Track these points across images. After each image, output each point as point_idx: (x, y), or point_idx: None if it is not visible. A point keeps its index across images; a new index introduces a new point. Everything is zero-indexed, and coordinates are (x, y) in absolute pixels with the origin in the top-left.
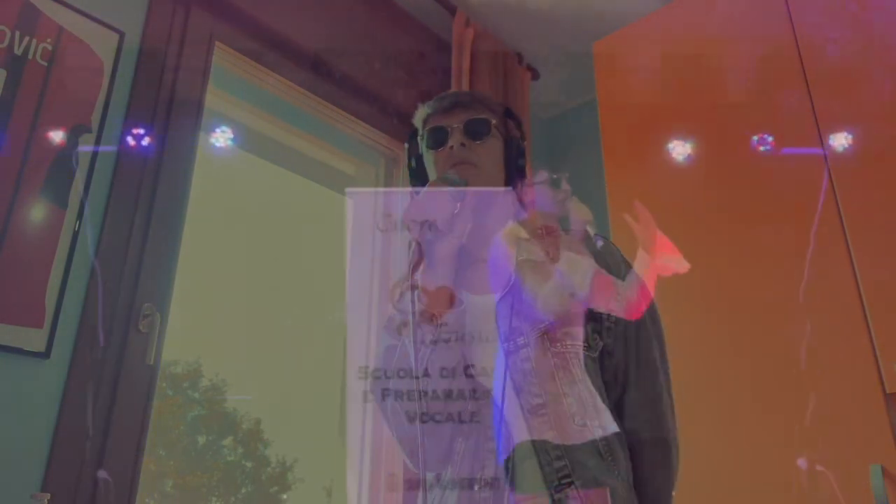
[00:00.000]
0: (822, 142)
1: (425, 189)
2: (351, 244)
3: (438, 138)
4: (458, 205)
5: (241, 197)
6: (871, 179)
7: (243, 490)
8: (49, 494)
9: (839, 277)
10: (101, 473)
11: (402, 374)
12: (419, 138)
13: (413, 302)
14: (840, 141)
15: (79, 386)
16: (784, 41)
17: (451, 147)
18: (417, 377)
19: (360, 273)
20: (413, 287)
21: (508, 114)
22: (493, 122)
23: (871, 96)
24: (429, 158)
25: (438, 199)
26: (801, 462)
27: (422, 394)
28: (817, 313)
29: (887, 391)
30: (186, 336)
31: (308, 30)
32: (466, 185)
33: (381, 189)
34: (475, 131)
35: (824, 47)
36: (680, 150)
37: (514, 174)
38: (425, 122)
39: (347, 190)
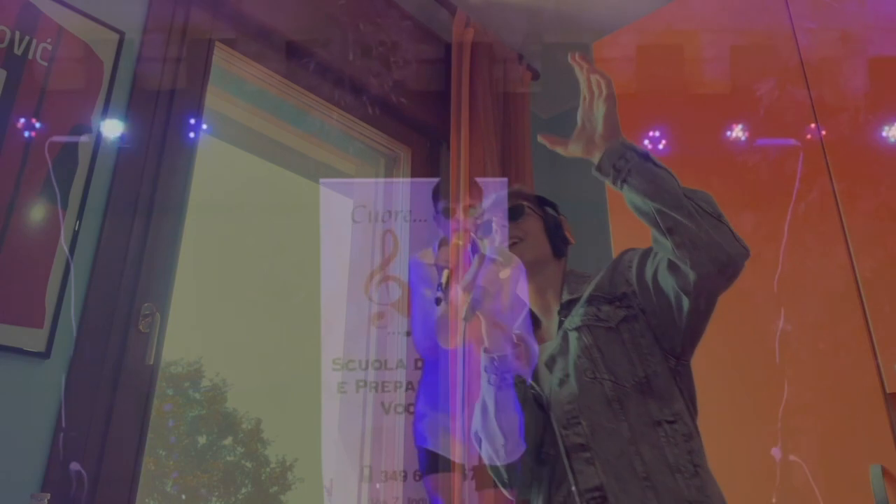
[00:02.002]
0: (820, 136)
1: (473, 263)
2: (325, 235)
3: (488, 228)
4: (507, 271)
5: (241, 197)
6: (872, 177)
7: (243, 490)
8: (49, 494)
9: (839, 277)
10: (74, 465)
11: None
12: (476, 235)
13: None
14: (815, 132)
15: (79, 386)
16: (785, 38)
17: (496, 229)
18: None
19: (335, 264)
20: (386, 279)
21: (542, 201)
22: (527, 204)
23: (846, 87)
24: (483, 245)
25: (485, 269)
26: (777, 454)
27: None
28: (817, 313)
29: (887, 391)
30: (186, 336)
31: (308, 30)
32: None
33: (356, 180)
34: (513, 215)
35: (799, 40)
36: (656, 143)
37: (558, 244)
38: (477, 220)
39: (321, 180)
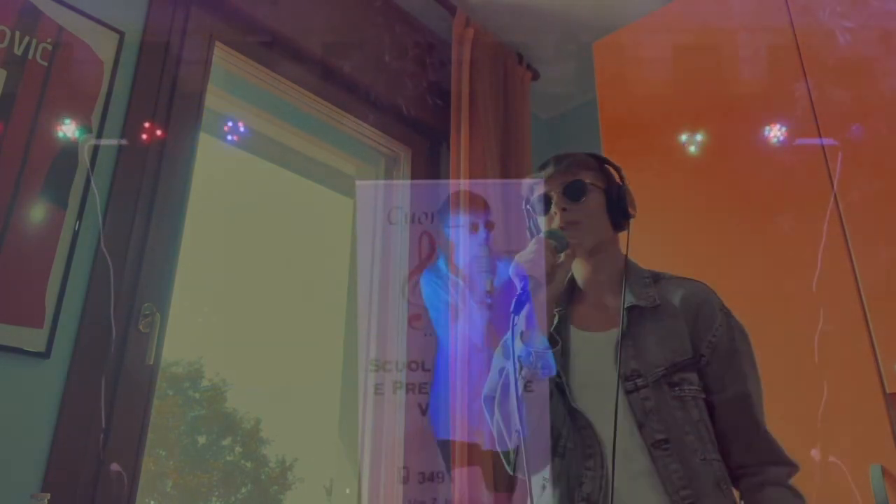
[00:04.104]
0: (825, 133)
1: (529, 245)
2: (359, 236)
3: (544, 205)
4: (562, 256)
5: (241, 197)
6: (871, 176)
7: (243, 490)
8: (49, 494)
9: (839, 277)
10: (114, 466)
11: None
12: (529, 206)
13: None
14: (854, 132)
15: (79, 386)
16: (785, 38)
17: (555, 212)
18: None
19: (368, 265)
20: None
21: (605, 162)
22: (588, 181)
23: (885, 86)
24: (540, 221)
25: (537, 255)
26: (816, 455)
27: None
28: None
29: (887, 391)
30: (186, 336)
31: (308, 30)
32: (567, 242)
33: (392, 181)
34: (573, 194)
35: (838, 38)
36: (680, 147)
37: (618, 219)
38: (532, 189)
39: (357, 182)
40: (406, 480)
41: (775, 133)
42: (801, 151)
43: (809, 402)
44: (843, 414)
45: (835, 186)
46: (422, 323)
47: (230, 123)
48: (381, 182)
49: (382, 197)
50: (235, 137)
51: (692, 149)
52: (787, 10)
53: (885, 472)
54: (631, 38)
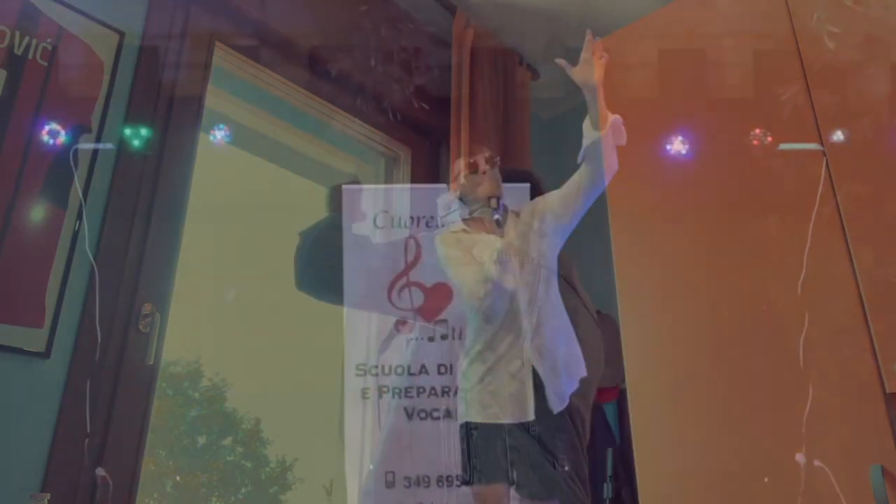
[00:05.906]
0: (820, 137)
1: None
2: (346, 240)
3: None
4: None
5: (241, 197)
6: (871, 177)
7: (243, 490)
8: (49, 494)
9: (839, 277)
10: (99, 471)
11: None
12: None
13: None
14: (839, 136)
15: (79, 386)
16: (784, 38)
17: None
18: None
19: (357, 270)
20: (409, 285)
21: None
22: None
23: (870, 91)
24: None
25: None
26: (801, 459)
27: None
28: (817, 313)
29: (887, 391)
30: (186, 336)
31: (307, 29)
32: None
33: (378, 186)
34: None
35: (824, 43)
36: (679, 147)
37: None
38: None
39: (344, 186)
40: (391, 485)
41: (761, 138)
42: (793, 155)
43: (806, 405)
44: (843, 414)
45: (833, 188)
46: (408, 327)
47: (216, 126)
48: (368, 186)
49: (369, 201)
50: (221, 142)
51: (688, 151)
52: (778, 16)
53: (885, 472)
54: (631, 37)
